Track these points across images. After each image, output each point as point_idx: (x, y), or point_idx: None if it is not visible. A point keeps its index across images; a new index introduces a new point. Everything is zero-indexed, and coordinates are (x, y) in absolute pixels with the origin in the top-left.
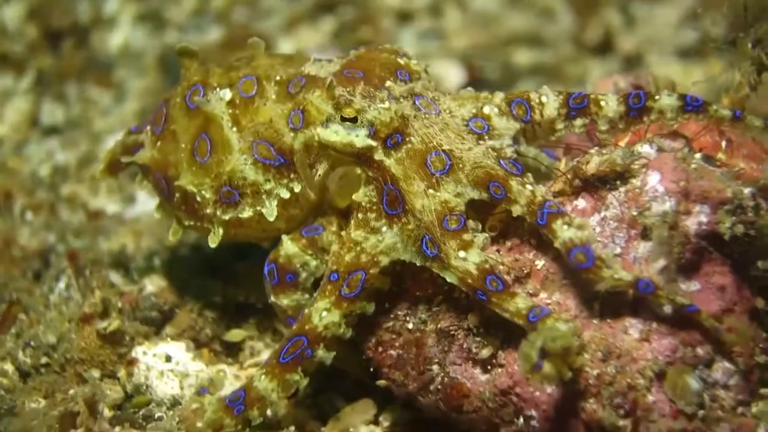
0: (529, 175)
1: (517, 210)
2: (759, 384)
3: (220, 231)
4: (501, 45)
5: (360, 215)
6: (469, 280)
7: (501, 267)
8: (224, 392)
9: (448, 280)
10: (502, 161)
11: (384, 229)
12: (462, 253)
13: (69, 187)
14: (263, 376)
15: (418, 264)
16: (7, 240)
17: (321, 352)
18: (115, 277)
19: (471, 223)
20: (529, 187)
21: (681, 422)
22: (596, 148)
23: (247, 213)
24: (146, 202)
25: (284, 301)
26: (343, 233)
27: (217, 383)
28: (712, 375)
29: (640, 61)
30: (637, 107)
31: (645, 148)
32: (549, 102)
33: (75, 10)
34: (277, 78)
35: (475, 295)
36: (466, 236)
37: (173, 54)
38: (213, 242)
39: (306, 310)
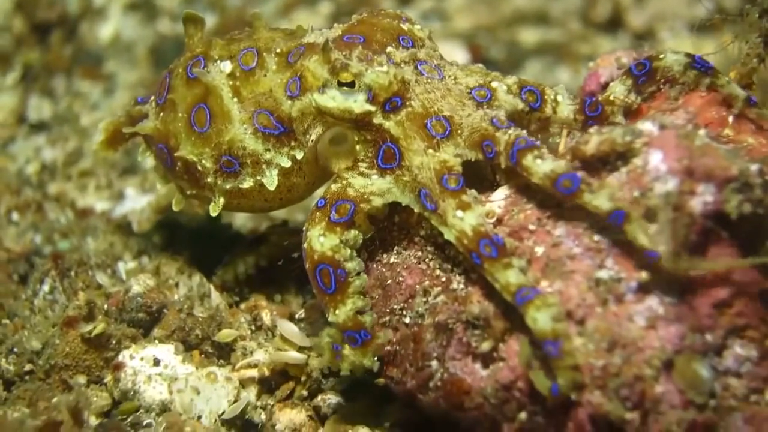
0: (518, 128)
1: (502, 161)
2: None
3: (221, 200)
4: (506, 24)
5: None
6: (465, 241)
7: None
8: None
9: (446, 236)
10: (494, 120)
11: (374, 176)
12: (459, 213)
13: (56, 185)
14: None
15: (416, 210)
16: None
17: (351, 265)
18: (103, 277)
19: (470, 190)
20: (510, 131)
21: (691, 413)
22: (595, 127)
23: (247, 183)
24: (135, 198)
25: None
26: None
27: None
28: (722, 362)
29: (651, 37)
30: (643, 73)
31: (646, 126)
32: (563, 102)
33: (64, 1)
34: (278, 50)
35: (471, 258)
36: (465, 197)
37: (165, 43)
38: (214, 211)
39: (303, 245)
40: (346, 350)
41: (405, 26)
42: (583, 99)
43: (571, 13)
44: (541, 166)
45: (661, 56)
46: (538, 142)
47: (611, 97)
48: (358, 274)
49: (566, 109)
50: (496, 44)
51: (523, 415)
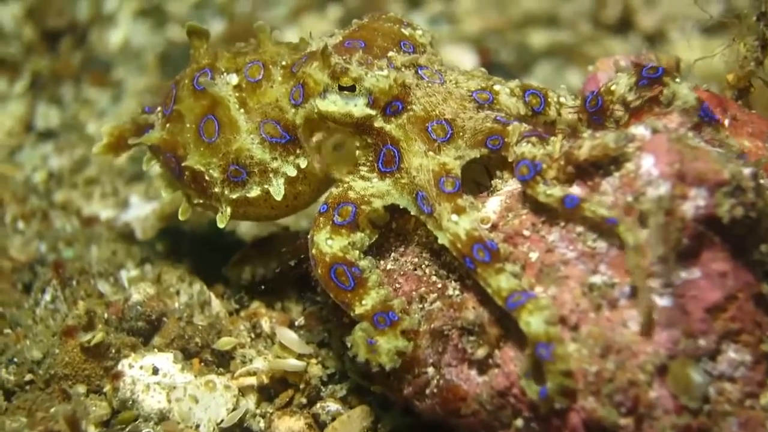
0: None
1: (511, 152)
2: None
3: (228, 210)
4: (516, 27)
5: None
6: (458, 245)
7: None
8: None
9: (440, 240)
10: (498, 117)
11: (374, 179)
12: (454, 216)
13: (63, 194)
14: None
15: (413, 213)
16: None
17: (363, 263)
18: (104, 286)
19: (466, 195)
20: (523, 124)
21: (685, 418)
22: (589, 131)
23: (254, 192)
24: (140, 206)
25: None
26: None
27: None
28: (717, 367)
29: (662, 38)
30: (650, 77)
31: (639, 130)
32: (567, 103)
33: (73, 9)
34: (283, 63)
35: (464, 262)
36: (461, 201)
37: (174, 50)
38: (221, 222)
39: (311, 252)
40: (380, 340)
41: (406, 31)
42: (584, 96)
43: (581, 15)
44: (519, 147)
45: (677, 80)
46: (548, 136)
47: (612, 87)
48: (371, 271)
49: (570, 109)
50: (505, 47)
51: (518, 422)
